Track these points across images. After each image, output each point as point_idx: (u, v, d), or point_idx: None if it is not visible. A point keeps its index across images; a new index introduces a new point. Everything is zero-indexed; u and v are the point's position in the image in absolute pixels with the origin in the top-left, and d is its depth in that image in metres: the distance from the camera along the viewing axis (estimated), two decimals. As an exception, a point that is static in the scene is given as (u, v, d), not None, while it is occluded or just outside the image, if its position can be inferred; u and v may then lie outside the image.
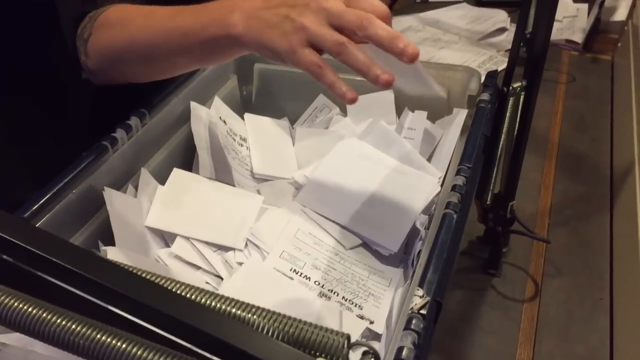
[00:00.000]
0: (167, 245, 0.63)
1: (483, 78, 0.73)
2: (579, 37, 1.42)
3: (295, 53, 0.52)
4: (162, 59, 0.61)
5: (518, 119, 0.76)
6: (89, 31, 0.66)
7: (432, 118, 0.78)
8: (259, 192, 0.73)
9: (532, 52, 0.70)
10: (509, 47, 0.74)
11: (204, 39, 0.57)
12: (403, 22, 1.58)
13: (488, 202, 0.84)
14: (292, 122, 0.86)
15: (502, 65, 1.32)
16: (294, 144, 0.82)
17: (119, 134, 0.62)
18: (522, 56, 0.73)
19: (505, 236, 0.86)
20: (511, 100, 0.75)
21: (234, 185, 0.71)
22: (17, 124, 0.70)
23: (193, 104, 0.74)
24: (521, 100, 0.75)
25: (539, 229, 0.92)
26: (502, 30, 1.49)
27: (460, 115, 0.71)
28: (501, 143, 0.78)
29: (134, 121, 0.64)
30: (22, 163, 0.71)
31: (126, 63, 0.63)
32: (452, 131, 0.71)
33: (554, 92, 1.25)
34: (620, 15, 1.38)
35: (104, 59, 0.65)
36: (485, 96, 0.68)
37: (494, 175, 0.80)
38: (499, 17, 1.54)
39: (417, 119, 0.76)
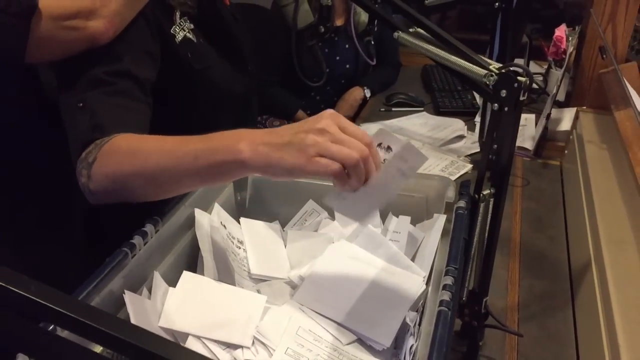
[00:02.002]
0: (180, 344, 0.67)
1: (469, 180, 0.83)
2: (529, 144, 1.57)
3: (312, 163, 0.59)
4: (170, 182, 0.68)
5: (488, 222, 0.86)
6: (94, 156, 0.72)
7: (413, 222, 0.86)
8: (259, 291, 0.78)
9: (498, 165, 0.80)
10: (468, 152, 0.84)
11: (213, 162, 0.64)
12: (370, 128, 1.71)
13: (464, 299, 0.91)
14: (283, 225, 0.93)
15: (463, 170, 1.44)
16: (285, 246, 0.89)
17: (137, 240, 0.68)
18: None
19: (481, 330, 0.93)
20: (482, 206, 0.84)
21: (235, 285, 0.77)
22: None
23: (197, 211, 0.80)
24: (490, 205, 0.84)
25: (510, 323, 0.99)
26: (461, 137, 1.63)
27: (440, 220, 0.80)
28: (474, 244, 0.86)
29: (148, 228, 0.70)
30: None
31: (132, 187, 0.70)
32: (433, 234, 0.79)
33: (512, 195, 1.37)
34: (565, 125, 1.54)
35: (110, 183, 0.71)
36: (462, 203, 0.78)
37: (468, 273, 0.88)
38: (457, 125, 1.69)
39: (401, 223, 0.84)
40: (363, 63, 1.96)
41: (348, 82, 2.01)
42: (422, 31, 0.89)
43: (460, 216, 0.75)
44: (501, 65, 0.80)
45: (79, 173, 0.75)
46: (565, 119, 1.56)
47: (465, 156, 1.51)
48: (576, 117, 1.47)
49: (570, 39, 1.51)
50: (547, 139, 1.56)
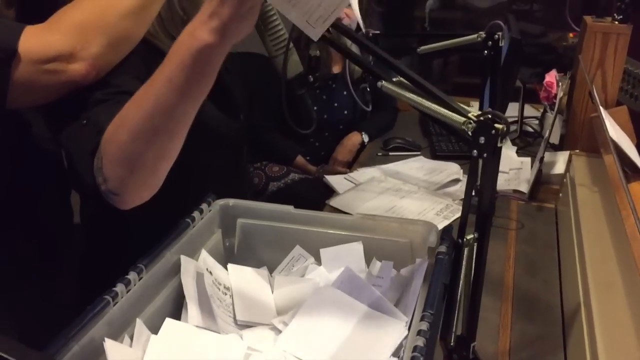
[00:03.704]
0: (160, 391, 0.67)
1: (441, 226, 0.84)
2: (524, 188, 1.58)
3: None
4: (166, 120, 0.69)
5: (473, 266, 0.86)
6: (100, 158, 0.75)
7: (397, 267, 0.87)
8: (241, 337, 0.79)
9: (480, 212, 0.82)
10: (462, 197, 0.85)
11: (186, 69, 0.66)
12: (367, 173, 1.73)
13: (452, 344, 0.91)
14: (271, 270, 0.94)
15: (457, 213, 1.45)
16: (273, 292, 0.90)
17: (119, 287, 0.69)
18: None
19: (469, 376, 0.92)
20: (466, 250, 0.85)
21: (219, 332, 0.78)
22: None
23: (183, 258, 0.82)
24: (474, 250, 0.85)
25: (501, 368, 0.98)
26: (456, 181, 1.64)
27: (422, 265, 0.81)
28: (460, 288, 0.87)
29: (132, 275, 0.71)
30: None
31: (139, 153, 0.71)
32: (415, 279, 0.80)
33: (506, 238, 1.37)
34: (559, 168, 1.56)
35: (120, 165, 0.73)
36: (443, 248, 0.79)
37: (455, 318, 0.88)
38: (453, 169, 1.71)
39: (384, 268, 0.85)
40: (361, 109, 2.00)
41: (346, 128, 2.05)
42: (405, 80, 0.92)
43: (440, 261, 0.76)
44: (480, 112, 0.82)
45: (99, 184, 0.77)
46: (559, 162, 1.57)
47: (461, 199, 1.52)
48: (569, 161, 1.48)
49: (560, 84, 1.54)
50: (541, 182, 1.57)
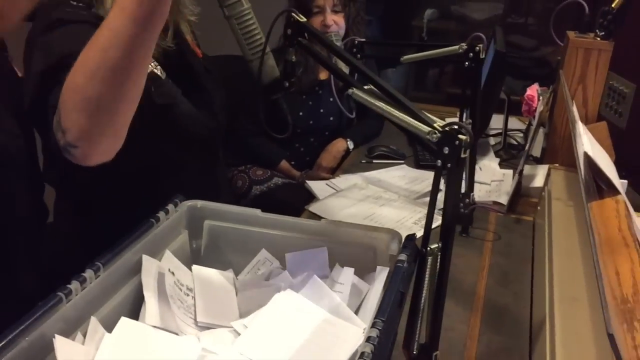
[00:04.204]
0: (109, 390, 0.67)
1: (418, 235, 0.84)
2: (504, 200, 1.58)
3: None
4: (116, 52, 0.68)
5: (437, 276, 0.86)
6: (58, 111, 0.74)
7: (361, 274, 0.87)
8: (199, 339, 0.79)
9: (444, 222, 0.82)
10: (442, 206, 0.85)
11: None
12: (349, 180, 1.73)
13: (415, 352, 0.91)
14: (237, 273, 0.94)
15: (436, 222, 1.45)
16: (237, 294, 0.90)
17: (74, 285, 0.69)
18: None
19: (431, 385, 0.92)
20: (430, 259, 0.86)
21: (177, 333, 0.78)
22: None
23: (144, 257, 0.82)
24: (438, 259, 0.85)
25: (465, 379, 0.98)
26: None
27: (382, 273, 0.81)
28: (424, 297, 0.87)
29: (88, 273, 0.72)
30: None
31: (95, 96, 0.70)
32: (375, 286, 0.80)
33: (481, 250, 1.37)
34: (539, 182, 1.56)
35: (77, 111, 0.71)
36: (403, 257, 0.79)
37: (418, 326, 0.88)
38: (434, 179, 1.71)
39: (345, 275, 0.85)
40: (347, 116, 2.00)
41: (332, 134, 2.05)
42: (375, 89, 0.93)
43: (399, 269, 0.77)
44: (445, 123, 0.83)
45: (58, 140, 0.75)
46: (539, 176, 1.58)
47: (440, 209, 1.52)
48: (548, 174, 1.49)
49: (541, 97, 1.55)
50: (521, 194, 1.57)
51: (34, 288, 0.94)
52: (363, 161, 1.89)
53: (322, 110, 2.02)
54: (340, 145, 2.02)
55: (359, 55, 1.62)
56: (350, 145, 2.02)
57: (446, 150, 0.80)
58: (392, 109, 0.87)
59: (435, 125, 0.82)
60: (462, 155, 0.80)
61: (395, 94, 0.89)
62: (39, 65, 0.90)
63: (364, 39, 1.60)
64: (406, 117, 0.85)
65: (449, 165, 0.81)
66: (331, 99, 2.01)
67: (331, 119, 2.04)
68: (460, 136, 0.79)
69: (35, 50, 0.93)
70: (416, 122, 0.84)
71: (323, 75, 2.02)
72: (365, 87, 0.96)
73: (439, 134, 0.81)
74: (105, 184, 1.07)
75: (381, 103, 0.90)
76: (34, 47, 0.94)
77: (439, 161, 0.81)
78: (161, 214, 0.88)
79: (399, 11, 3.68)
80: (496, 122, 1.96)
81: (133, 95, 0.74)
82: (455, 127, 0.81)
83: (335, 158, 2.00)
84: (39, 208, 1.04)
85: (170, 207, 0.90)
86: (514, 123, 2.06)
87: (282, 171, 2.03)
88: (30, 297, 0.93)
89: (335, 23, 1.90)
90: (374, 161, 1.88)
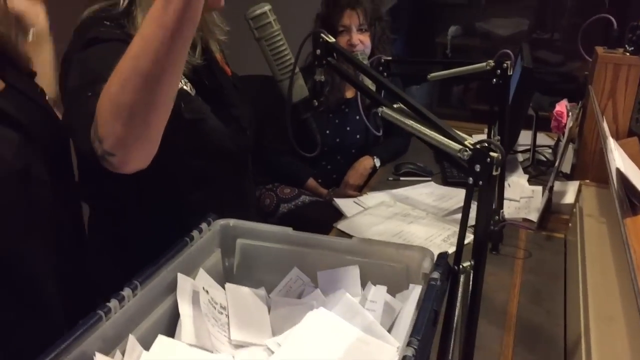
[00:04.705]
0: (147, 407, 0.68)
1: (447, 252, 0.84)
2: (534, 216, 1.56)
3: None
4: (148, 61, 0.71)
5: (469, 294, 0.86)
6: (95, 121, 0.77)
7: (393, 292, 0.87)
8: (234, 357, 0.80)
9: (476, 240, 0.82)
10: (472, 222, 0.85)
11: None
12: (377, 197, 1.73)
13: (448, 372, 0.90)
14: (269, 291, 0.95)
15: (465, 240, 1.44)
16: (269, 312, 0.90)
17: (113, 303, 0.71)
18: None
19: (465, 405, 0.91)
20: (462, 278, 0.85)
21: (212, 351, 0.78)
22: None
23: (180, 276, 0.83)
24: (471, 277, 0.85)
25: (499, 398, 0.97)
26: (466, 207, 1.64)
27: (415, 291, 0.81)
28: (456, 316, 0.86)
29: (126, 292, 0.73)
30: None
31: (128, 104, 0.73)
32: (408, 305, 0.80)
33: (512, 267, 1.36)
34: (569, 198, 1.54)
35: (113, 120, 0.74)
36: (436, 275, 0.79)
37: (451, 345, 0.88)
38: (462, 196, 1.69)
39: (378, 293, 0.85)
40: (373, 133, 2.01)
41: (359, 152, 2.06)
42: (404, 107, 0.93)
43: (432, 287, 0.76)
44: (476, 141, 0.83)
45: (96, 149, 0.79)
46: (570, 192, 1.56)
47: (470, 226, 1.51)
48: (579, 191, 1.47)
49: (570, 113, 1.54)
50: (551, 211, 1.55)
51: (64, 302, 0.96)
52: (390, 178, 1.89)
53: (348, 128, 2.03)
54: (367, 162, 2.02)
55: (385, 74, 1.63)
56: (377, 162, 2.02)
57: (477, 167, 0.80)
58: (422, 127, 0.88)
59: (466, 142, 0.82)
60: (494, 173, 0.80)
61: (424, 112, 0.89)
62: (74, 81, 0.93)
63: (390, 58, 1.61)
64: (437, 135, 0.86)
65: (480, 182, 0.81)
66: (357, 117, 2.02)
67: (358, 136, 2.05)
68: (492, 154, 0.79)
69: (71, 68, 0.96)
70: (447, 140, 0.84)
71: (349, 93, 2.04)
72: (395, 105, 0.97)
73: (470, 152, 0.81)
74: (135, 197, 1.10)
75: (411, 121, 0.90)
76: (70, 65, 0.97)
77: (471, 179, 0.81)
78: (195, 233, 0.89)
79: (423, 28, 3.70)
80: (524, 138, 1.95)
81: (165, 103, 0.76)
82: (486, 144, 0.81)
83: (362, 175, 2.01)
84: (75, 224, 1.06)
85: (203, 225, 0.92)
86: (542, 139, 2.04)
87: (309, 189, 2.04)
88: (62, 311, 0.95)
89: (362, 42, 1.92)
90: (401, 178, 1.88)
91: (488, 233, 0.83)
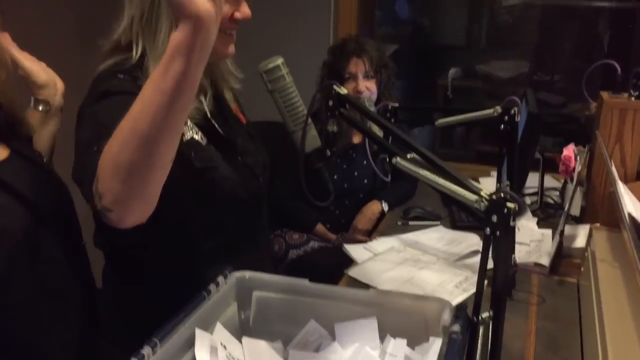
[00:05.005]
0: None
1: (460, 299, 0.84)
2: (545, 260, 1.56)
3: None
4: (147, 123, 0.72)
5: (489, 344, 0.85)
6: (96, 178, 0.78)
7: (412, 344, 0.87)
8: (254, 415, 0.79)
9: (495, 290, 0.82)
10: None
11: (162, 64, 0.71)
12: (386, 242, 1.73)
13: None
14: (286, 344, 0.94)
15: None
16: (286, 366, 0.90)
17: (134, 362, 0.70)
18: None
19: None
20: (481, 328, 0.85)
21: (231, 408, 0.77)
22: None
23: (197, 331, 0.83)
24: (490, 328, 0.85)
25: None
26: (476, 252, 1.63)
27: (436, 344, 0.80)
28: (476, 367, 0.85)
29: (146, 350, 0.72)
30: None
31: (127, 162, 0.74)
32: (429, 359, 0.80)
33: (527, 314, 1.35)
34: (580, 242, 1.54)
35: (112, 177, 0.75)
36: (456, 327, 0.78)
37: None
38: (472, 240, 1.71)
39: (397, 346, 0.84)
40: (380, 178, 2.02)
41: (366, 196, 2.07)
42: (417, 157, 0.94)
43: (454, 341, 0.76)
44: (492, 191, 0.83)
45: (96, 203, 0.80)
46: (580, 236, 1.56)
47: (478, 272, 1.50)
48: (590, 235, 1.47)
49: (579, 158, 1.55)
50: (563, 255, 1.55)
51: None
52: (399, 223, 1.89)
53: (356, 173, 2.04)
54: (375, 207, 2.03)
55: (392, 120, 1.65)
56: (385, 207, 2.02)
57: (494, 218, 0.80)
58: (437, 178, 0.88)
59: (482, 193, 0.83)
60: (511, 224, 0.80)
61: (438, 161, 0.90)
62: (84, 134, 0.95)
63: (397, 104, 1.63)
64: (452, 185, 0.87)
65: (497, 233, 0.81)
66: (365, 162, 2.03)
67: (365, 181, 2.06)
68: (509, 204, 0.80)
69: (83, 121, 0.98)
70: (462, 190, 0.85)
71: (356, 138, 2.06)
72: (409, 155, 0.98)
73: (486, 202, 0.81)
74: (147, 246, 1.10)
75: (426, 172, 0.91)
76: (82, 118, 0.99)
77: (488, 229, 0.81)
78: (212, 287, 0.89)
79: (424, 70, 3.76)
80: (530, 180, 1.96)
81: (163, 164, 0.77)
82: (502, 194, 0.82)
83: (370, 220, 2.01)
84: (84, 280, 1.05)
85: (220, 279, 0.92)
86: (548, 181, 2.05)
87: (318, 235, 2.04)
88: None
89: (368, 89, 1.95)
90: (410, 223, 1.88)
91: (507, 283, 0.82)
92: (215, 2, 0.70)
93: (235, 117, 1.24)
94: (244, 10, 1.08)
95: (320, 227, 2.04)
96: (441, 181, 0.88)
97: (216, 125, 1.16)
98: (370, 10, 3.06)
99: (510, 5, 3.61)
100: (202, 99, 1.13)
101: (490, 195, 0.82)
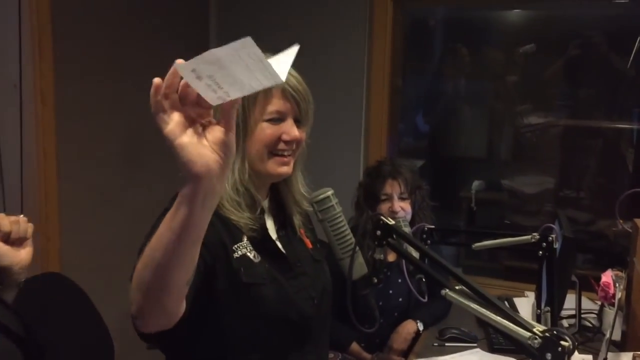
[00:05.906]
0: None
1: None
2: (589, 389, 1.52)
3: None
4: (160, 253, 0.79)
5: None
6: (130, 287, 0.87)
7: None
8: None
9: None
10: None
11: (174, 207, 0.77)
12: (423, 365, 1.71)
13: None
14: None
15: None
16: None
17: None
18: None
19: None
20: None
21: None
22: None
23: None
24: None
25: None
26: None
27: None
28: None
29: None
30: None
31: (145, 281, 0.82)
32: None
33: None
34: None
35: (136, 290, 0.84)
36: None
37: None
38: None
39: None
40: (415, 297, 2.02)
41: (401, 315, 2.06)
42: (466, 289, 0.98)
43: None
44: (545, 328, 0.85)
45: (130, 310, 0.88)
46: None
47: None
48: (634, 362, 1.45)
49: (617, 284, 1.56)
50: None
51: None
52: (435, 344, 1.87)
53: (391, 292, 2.06)
54: (411, 326, 2.02)
55: (429, 241, 1.69)
56: (421, 326, 2.01)
57: (549, 356, 0.82)
58: (489, 313, 0.91)
59: (535, 330, 0.85)
60: (567, 362, 0.81)
61: (488, 296, 0.93)
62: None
63: (432, 226, 1.68)
64: (504, 321, 0.89)
65: (553, 371, 0.82)
66: (399, 280, 2.05)
67: (400, 300, 2.06)
68: (563, 342, 0.82)
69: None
70: (515, 326, 0.87)
71: (391, 257, 2.09)
72: (457, 287, 1.01)
73: (540, 340, 0.83)
74: (186, 353, 1.14)
75: (476, 306, 0.94)
76: None
77: (543, 367, 0.83)
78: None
79: (446, 183, 3.80)
80: (567, 301, 1.95)
81: (175, 288, 0.85)
82: (556, 332, 0.84)
83: (406, 340, 1.99)
84: None
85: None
86: (584, 302, 2.03)
87: (353, 354, 2.02)
88: None
89: (403, 209, 2.00)
90: (446, 344, 1.86)
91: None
92: (221, 156, 0.75)
93: (301, 239, 1.29)
94: (290, 132, 1.15)
95: (355, 346, 2.02)
96: (493, 317, 0.90)
97: (279, 246, 1.21)
98: (395, 127, 3.13)
99: (532, 123, 3.70)
100: (248, 213, 1.16)
101: (543, 332, 0.84)
